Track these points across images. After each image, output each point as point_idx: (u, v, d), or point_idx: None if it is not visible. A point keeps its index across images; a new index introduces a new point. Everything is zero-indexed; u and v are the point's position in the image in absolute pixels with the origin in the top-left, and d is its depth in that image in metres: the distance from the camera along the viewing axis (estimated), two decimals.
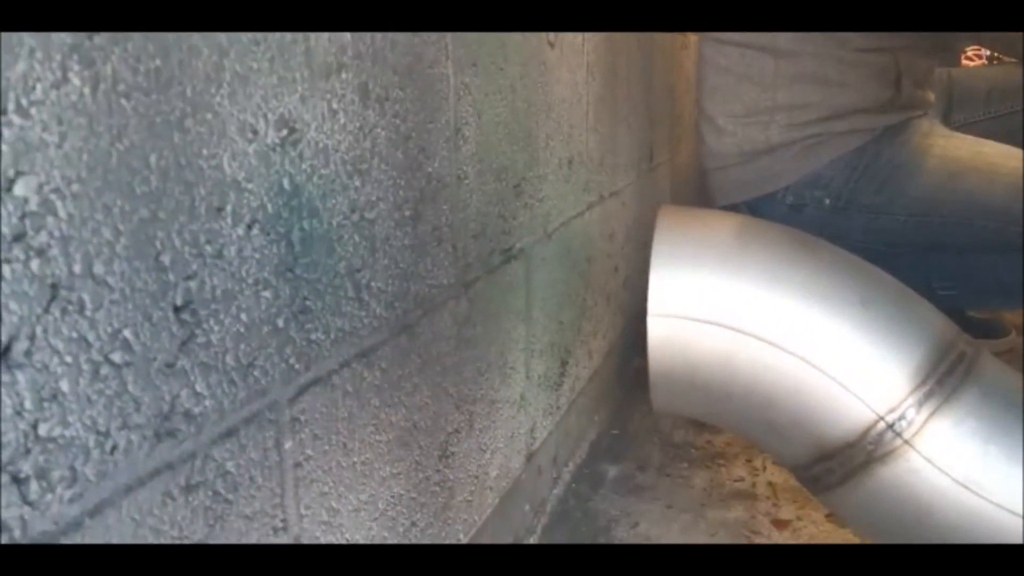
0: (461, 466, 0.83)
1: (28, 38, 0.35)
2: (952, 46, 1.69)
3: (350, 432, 0.62)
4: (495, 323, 0.90)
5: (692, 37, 2.01)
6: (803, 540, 1.05)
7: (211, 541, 0.48)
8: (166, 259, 0.44)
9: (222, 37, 0.46)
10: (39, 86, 0.36)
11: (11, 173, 0.35)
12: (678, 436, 1.35)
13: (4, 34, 0.34)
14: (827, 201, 1.38)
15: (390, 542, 0.69)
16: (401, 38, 0.66)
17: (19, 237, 0.35)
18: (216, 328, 0.48)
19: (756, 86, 1.34)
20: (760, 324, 0.66)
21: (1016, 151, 1.28)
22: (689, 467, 1.25)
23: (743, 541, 1.05)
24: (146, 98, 0.41)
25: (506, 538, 0.97)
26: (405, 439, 0.71)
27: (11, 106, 0.34)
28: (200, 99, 0.45)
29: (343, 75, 0.59)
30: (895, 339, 0.63)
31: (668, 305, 0.68)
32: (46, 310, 0.37)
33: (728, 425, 0.79)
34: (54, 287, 0.37)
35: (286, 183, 0.53)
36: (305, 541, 0.57)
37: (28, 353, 0.36)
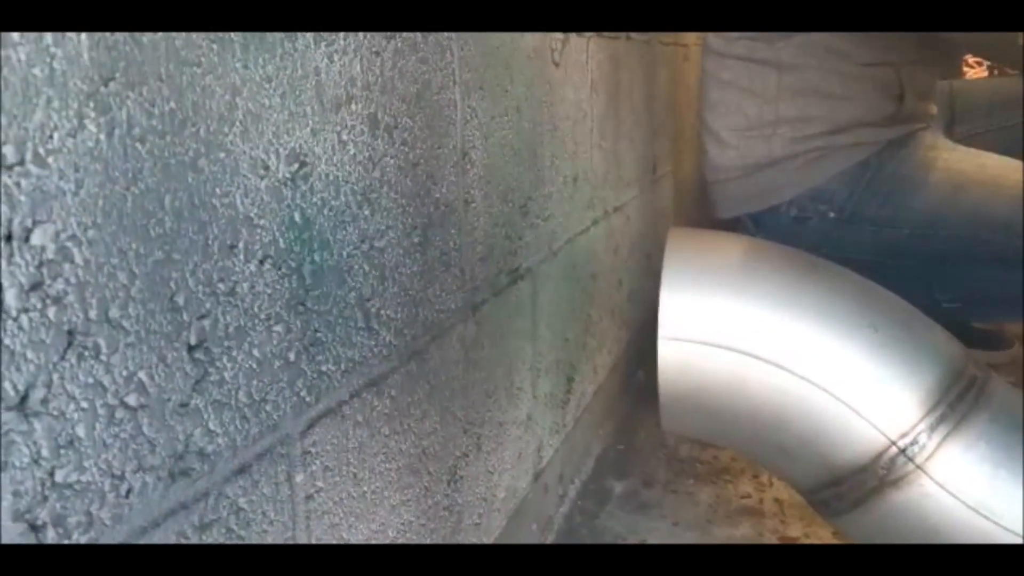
0: (470, 489, 0.83)
1: (45, 87, 0.35)
2: (951, 55, 1.70)
3: (360, 462, 0.62)
4: (502, 344, 0.90)
5: (693, 49, 2.02)
6: None
7: None
8: (180, 299, 0.44)
9: (236, 76, 0.46)
10: (56, 135, 0.36)
11: (29, 223, 0.35)
12: (683, 451, 1.35)
13: (20, 85, 0.34)
14: (831, 214, 1.38)
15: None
16: (409, 66, 0.66)
17: (36, 286, 0.35)
18: (229, 365, 0.48)
19: (759, 99, 1.34)
20: (771, 348, 0.66)
21: (1019, 164, 1.28)
22: (695, 483, 1.25)
23: None
24: (161, 140, 0.41)
25: None
26: (414, 466, 0.71)
27: (29, 156, 0.34)
28: (213, 138, 0.45)
29: (352, 106, 0.59)
30: (906, 363, 0.63)
31: (679, 328, 0.68)
32: (63, 357, 0.37)
33: (738, 448, 0.79)
34: (70, 333, 0.37)
35: (297, 217, 0.53)
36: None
37: (45, 401, 0.36)
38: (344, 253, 0.59)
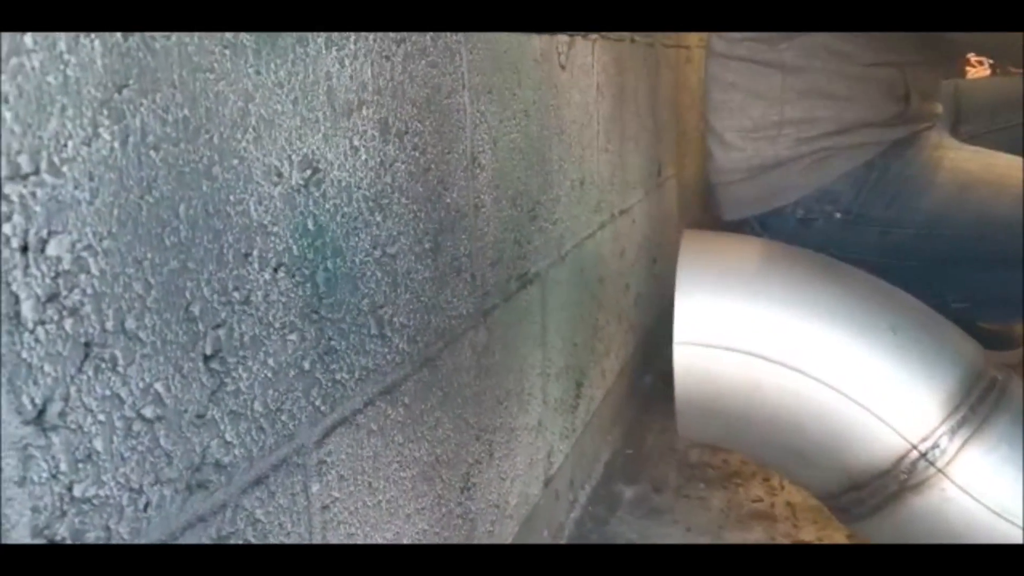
0: (482, 496, 0.82)
1: (59, 95, 0.34)
2: (954, 55, 1.69)
3: (375, 471, 0.61)
4: (513, 350, 0.89)
5: (695, 51, 2.01)
6: None
7: None
8: (196, 309, 0.43)
9: (248, 82, 0.46)
10: (70, 143, 0.35)
11: (44, 234, 0.34)
12: (693, 455, 1.34)
13: (34, 93, 0.33)
14: (837, 215, 1.37)
15: None
16: (419, 70, 0.66)
17: (53, 297, 0.35)
18: (245, 375, 0.47)
19: (763, 101, 1.33)
20: (787, 351, 0.65)
21: None
22: (706, 487, 1.24)
23: None
24: (175, 148, 0.41)
25: None
26: (428, 474, 0.70)
27: (44, 165, 0.34)
28: (227, 145, 0.44)
29: (364, 111, 0.58)
30: (926, 366, 0.63)
31: (694, 333, 0.67)
32: (80, 369, 0.36)
33: (755, 454, 0.78)
34: (87, 345, 0.36)
35: (310, 223, 0.53)
36: None
37: (63, 414, 0.35)
38: (357, 260, 0.58)
